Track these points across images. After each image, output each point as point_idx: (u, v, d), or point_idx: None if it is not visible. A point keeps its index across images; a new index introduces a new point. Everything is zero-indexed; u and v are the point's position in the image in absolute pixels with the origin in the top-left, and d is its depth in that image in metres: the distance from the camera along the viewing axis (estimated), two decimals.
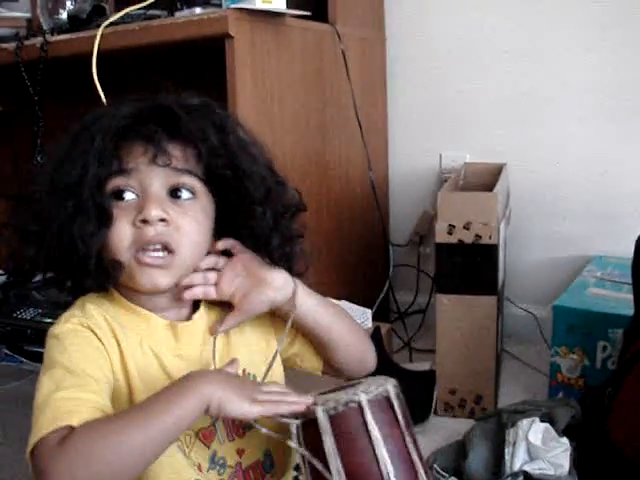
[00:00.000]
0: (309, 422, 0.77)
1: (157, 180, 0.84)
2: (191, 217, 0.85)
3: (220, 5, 1.83)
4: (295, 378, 1.00)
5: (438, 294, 1.73)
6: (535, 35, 2.11)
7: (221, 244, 0.91)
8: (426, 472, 0.78)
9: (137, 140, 0.83)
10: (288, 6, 1.70)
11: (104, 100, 1.75)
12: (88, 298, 0.88)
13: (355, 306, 1.89)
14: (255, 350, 0.95)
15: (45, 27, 2.16)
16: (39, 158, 1.90)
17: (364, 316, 1.85)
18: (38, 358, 2.06)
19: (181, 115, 0.84)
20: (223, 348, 0.92)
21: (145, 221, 0.82)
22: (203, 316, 0.92)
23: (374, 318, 1.91)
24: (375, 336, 1.79)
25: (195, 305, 0.93)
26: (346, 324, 0.99)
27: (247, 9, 1.62)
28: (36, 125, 1.94)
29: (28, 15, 2.48)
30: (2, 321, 2.18)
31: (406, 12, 2.27)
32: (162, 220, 0.83)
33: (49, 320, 2.09)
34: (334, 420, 0.76)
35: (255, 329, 0.96)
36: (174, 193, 0.85)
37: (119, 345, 0.84)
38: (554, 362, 1.72)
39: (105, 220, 0.82)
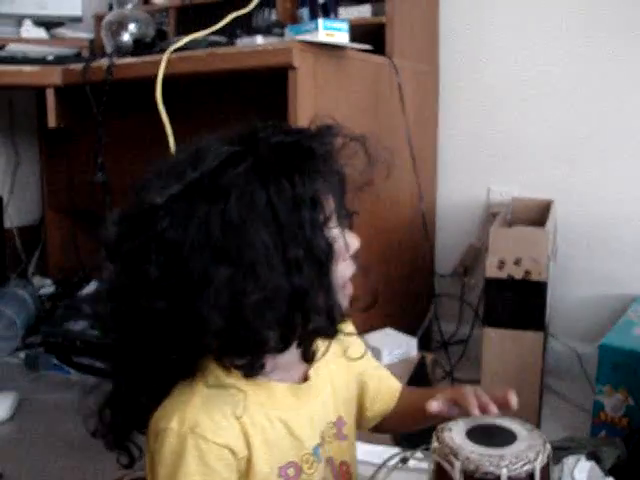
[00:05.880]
0: (445, 467, 0.80)
1: (335, 210, 0.83)
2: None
3: (281, 35, 1.89)
4: None
5: (485, 327, 1.74)
6: (586, 74, 2.13)
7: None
8: None
9: (319, 177, 0.79)
10: (349, 39, 1.75)
11: (166, 122, 1.80)
12: (206, 385, 0.82)
13: (400, 334, 1.92)
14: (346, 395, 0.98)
15: (108, 49, 2.23)
16: (100, 175, 1.97)
17: (409, 345, 1.87)
18: (85, 369, 2.12)
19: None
20: (330, 396, 0.94)
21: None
22: (318, 372, 0.92)
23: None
24: (420, 365, 1.81)
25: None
26: None
27: (311, 41, 1.67)
28: (98, 143, 2.00)
29: (91, 36, 2.55)
30: (52, 331, 2.23)
31: (460, 48, 2.32)
32: None
33: (98, 333, 2.13)
34: None
35: (343, 377, 0.98)
36: None
37: (249, 442, 0.82)
38: (598, 400, 1.72)
39: (332, 265, 0.79)
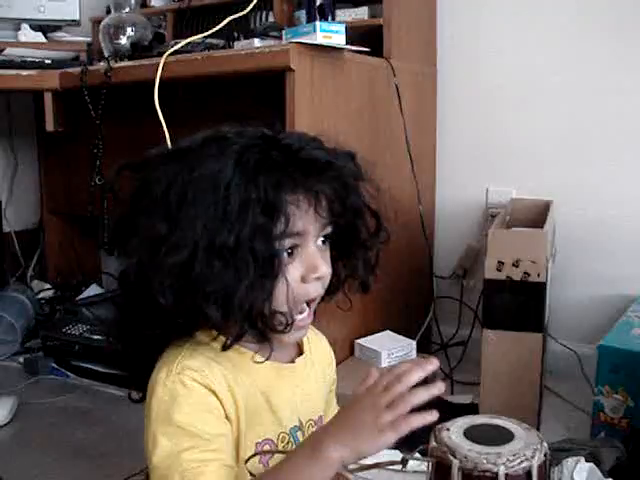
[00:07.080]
0: (443, 466, 0.80)
1: (315, 230, 0.83)
2: (329, 263, 0.86)
3: (278, 37, 1.88)
4: None
5: (484, 329, 1.74)
6: (584, 74, 2.13)
7: None
8: None
9: (299, 191, 0.80)
10: (346, 41, 1.75)
11: (164, 125, 1.80)
12: (194, 345, 0.84)
13: (399, 337, 1.92)
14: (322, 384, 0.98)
15: (106, 53, 2.23)
16: (97, 180, 1.97)
17: (408, 347, 1.87)
18: (84, 373, 2.12)
19: (327, 167, 0.82)
20: (318, 392, 0.95)
21: (318, 278, 0.83)
22: (306, 359, 0.94)
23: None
24: None
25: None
26: None
27: (308, 43, 1.67)
28: (96, 147, 2.00)
29: (88, 39, 2.55)
30: (51, 335, 2.23)
31: (458, 48, 2.32)
32: None
33: (98, 337, 2.13)
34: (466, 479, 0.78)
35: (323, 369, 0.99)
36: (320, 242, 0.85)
37: (234, 398, 0.82)
38: (597, 401, 1.71)
39: (275, 273, 0.79)
